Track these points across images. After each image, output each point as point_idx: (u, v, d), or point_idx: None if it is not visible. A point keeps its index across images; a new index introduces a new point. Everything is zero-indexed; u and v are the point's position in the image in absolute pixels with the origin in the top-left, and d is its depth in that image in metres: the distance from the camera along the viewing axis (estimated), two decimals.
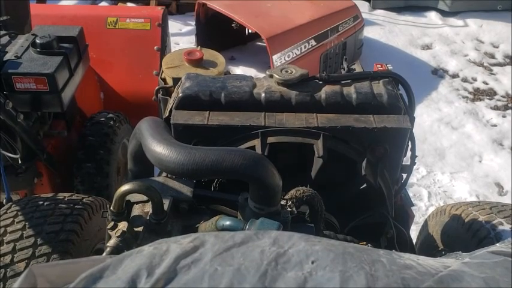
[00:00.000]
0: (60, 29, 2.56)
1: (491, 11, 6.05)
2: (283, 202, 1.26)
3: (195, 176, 1.24)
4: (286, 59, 4.19)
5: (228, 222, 1.15)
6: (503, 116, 4.42)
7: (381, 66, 1.77)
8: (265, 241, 0.66)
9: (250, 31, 5.22)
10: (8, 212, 1.85)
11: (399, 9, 6.16)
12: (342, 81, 1.60)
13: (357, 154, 1.49)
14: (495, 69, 5.18)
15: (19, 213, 1.83)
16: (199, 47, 2.39)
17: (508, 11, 6.01)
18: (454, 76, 5.05)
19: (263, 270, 0.60)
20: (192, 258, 0.62)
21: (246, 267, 0.60)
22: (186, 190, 1.31)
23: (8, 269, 1.66)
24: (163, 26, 3.43)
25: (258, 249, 0.64)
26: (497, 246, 0.74)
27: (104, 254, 1.09)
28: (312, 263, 0.61)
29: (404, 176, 1.76)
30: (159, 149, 1.16)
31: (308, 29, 4.38)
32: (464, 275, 0.62)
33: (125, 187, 1.16)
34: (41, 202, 1.89)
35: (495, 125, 4.29)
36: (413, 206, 2.02)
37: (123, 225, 1.16)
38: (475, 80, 5.00)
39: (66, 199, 1.93)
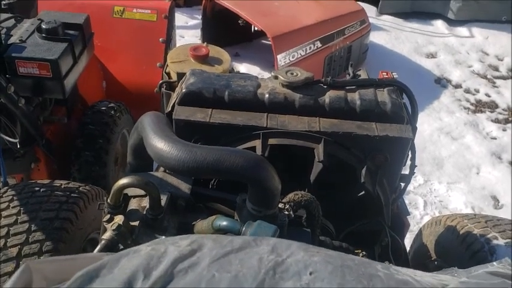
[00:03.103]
0: (66, 15, 2.54)
1: (497, 22, 6.04)
2: (281, 205, 1.26)
3: (195, 174, 1.24)
4: (291, 59, 4.18)
5: (224, 223, 1.15)
6: (504, 130, 4.42)
7: (387, 74, 1.76)
8: (263, 248, 0.66)
9: (256, 29, 5.21)
10: (3, 196, 1.85)
11: (406, 15, 6.15)
12: (347, 87, 1.59)
13: (357, 161, 1.48)
14: (498, 82, 5.18)
15: (15, 197, 1.82)
16: (205, 43, 2.38)
17: None
18: (457, 86, 5.05)
19: (261, 279, 0.59)
20: (190, 262, 0.62)
21: (244, 275, 0.59)
22: (184, 187, 1.30)
23: (0, 254, 1.66)
24: (170, 19, 3.41)
25: (256, 256, 0.63)
26: (496, 267, 0.73)
27: (99, 247, 1.09)
28: (310, 274, 0.61)
29: (403, 185, 1.76)
30: (160, 145, 1.15)
31: (314, 31, 4.37)
32: None
33: (123, 181, 1.15)
34: (37, 188, 1.88)
35: (495, 138, 4.30)
36: (409, 215, 2.02)
37: (119, 219, 1.15)
38: (477, 91, 4.99)
39: (62, 187, 1.92)
